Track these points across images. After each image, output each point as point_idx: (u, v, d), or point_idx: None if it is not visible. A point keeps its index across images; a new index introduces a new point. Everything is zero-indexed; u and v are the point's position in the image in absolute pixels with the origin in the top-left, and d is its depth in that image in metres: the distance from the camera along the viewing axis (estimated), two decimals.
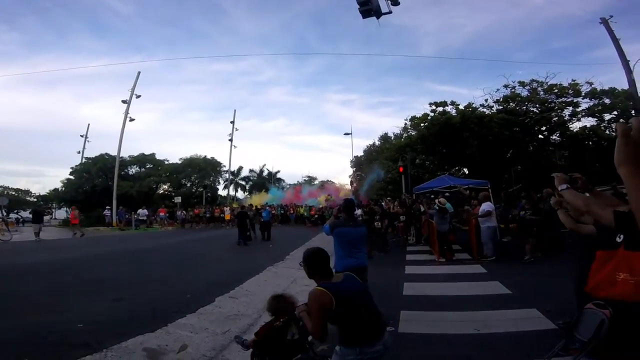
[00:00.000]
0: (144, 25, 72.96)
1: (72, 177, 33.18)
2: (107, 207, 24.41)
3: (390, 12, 7.88)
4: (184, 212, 24.22)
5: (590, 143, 20.88)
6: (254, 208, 17.44)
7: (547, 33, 51.43)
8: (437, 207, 8.44)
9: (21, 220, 26.90)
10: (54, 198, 35.99)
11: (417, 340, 3.61)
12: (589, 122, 21.12)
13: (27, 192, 38.91)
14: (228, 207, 24.22)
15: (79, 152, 33.70)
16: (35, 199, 38.48)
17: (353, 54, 72.68)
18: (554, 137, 22.17)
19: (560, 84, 20.54)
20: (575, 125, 21.49)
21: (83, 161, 33.38)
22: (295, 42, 77.55)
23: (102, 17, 64.04)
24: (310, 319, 2.07)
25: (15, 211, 33.94)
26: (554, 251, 7.84)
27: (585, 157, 19.46)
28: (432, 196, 13.27)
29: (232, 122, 33.94)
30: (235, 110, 35.10)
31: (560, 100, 20.79)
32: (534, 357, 2.14)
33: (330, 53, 75.56)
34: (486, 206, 8.05)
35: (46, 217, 34.89)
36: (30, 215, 20.11)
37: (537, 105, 21.11)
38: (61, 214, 37.71)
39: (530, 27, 54.99)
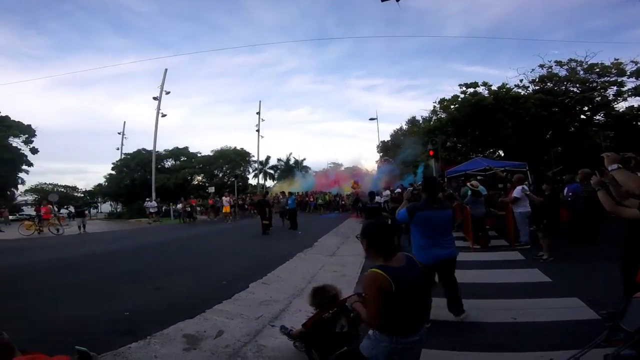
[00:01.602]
0: (165, 22, 75.06)
1: (113, 172, 35.36)
2: (147, 198, 25.66)
3: None
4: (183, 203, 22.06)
5: (639, 124, 19.35)
6: (279, 195, 17.95)
7: (582, 12, 47.38)
8: (469, 191, 8.11)
9: (72, 214, 29.09)
10: (98, 192, 38.59)
11: (450, 328, 3.55)
12: (636, 101, 19.63)
13: (74, 189, 41.87)
14: (227, 197, 20.99)
15: (117, 149, 35.65)
16: (82, 195, 41.39)
17: (375, 37, 70.66)
18: (597, 117, 20.84)
19: (602, 63, 19.25)
20: (621, 105, 20.11)
21: (122, 157, 35.32)
22: (315, 29, 76.86)
23: (123, 17, 66.62)
24: (366, 306, 1.88)
25: (66, 207, 36.69)
26: (586, 245, 7.02)
27: (633, 138, 18.00)
28: (463, 179, 12.81)
29: (258, 113, 34.46)
30: (260, 102, 35.71)
31: (602, 79, 19.39)
32: (573, 347, 2.03)
33: (352, 37, 74.09)
34: (516, 192, 7.57)
35: (93, 211, 37.62)
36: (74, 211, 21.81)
37: (578, 85, 19.79)
38: (106, 207, 40.46)
39: (562, 6, 50.73)
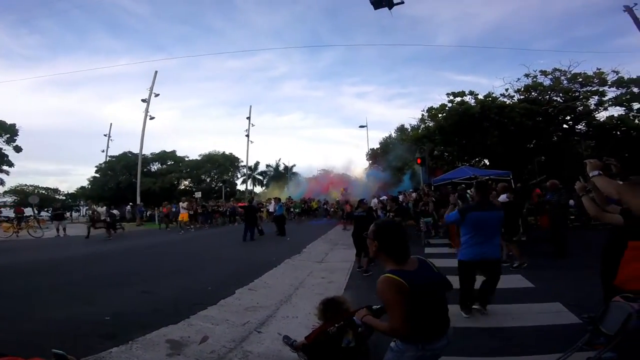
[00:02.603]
0: (159, 24, 74.65)
1: (97, 175, 34.60)
2: (130, 204, 25.27)
3: (402, 2, 7.67)
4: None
5: (619, 133, 20.06)
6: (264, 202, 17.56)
7: (568, 22, 49.36)
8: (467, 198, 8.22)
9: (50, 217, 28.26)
10: (81, 195, 37.58)
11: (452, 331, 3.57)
12: (616, 111, 20.34)
13: (56, 191, 40.61)
14: (186, 202, 17.57)
15: (103, 151, 34.92)
16: (63, 197, 40.22)
17: (367, 45, 71.63)
18: (579, 126, 21.42)
19: (585, 73, 19.85)
20: (602, 115, 20.73)
21: (107, 159, 34.62)
22: (308, 35, 77.51)
23: (118, 18, 65.94)
24: (390, 313, 1.71)
25: (46, 209, 35.64)
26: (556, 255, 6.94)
27: (613, 147, 18.65)
28: (450, 187, 13.00)
29: (248, 118, 34.33)
30: (250, 106, 35.51)
31: (585, 89, 20.08)
32: (557, 351, 2.07)
33: (344, 45, 74.90)
34: (501, 199, 7.75)
35: (75, 214, 36.57)
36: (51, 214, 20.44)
37: (561, 95, 20.41)
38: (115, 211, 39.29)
39: (550, 16, 52.75)
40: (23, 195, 31.38)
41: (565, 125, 21.64)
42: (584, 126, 21.25)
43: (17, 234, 15.30)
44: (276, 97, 77.47)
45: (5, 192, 34.21)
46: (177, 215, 17.81)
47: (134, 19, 71.47)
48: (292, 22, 79.06)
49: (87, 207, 20.06)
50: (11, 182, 33.89)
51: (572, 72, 20.13)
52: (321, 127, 79.50)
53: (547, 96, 20.96)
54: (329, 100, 76.31)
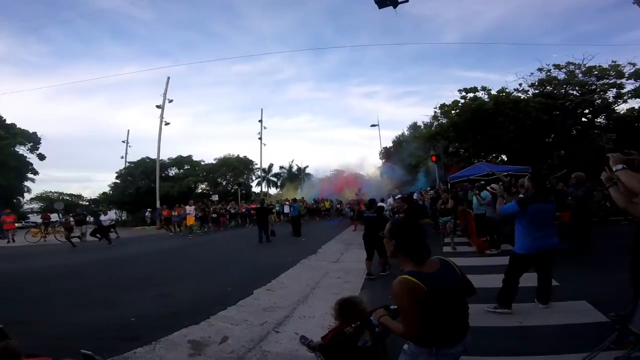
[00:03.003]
0: (164, 30, 75.69)
1: (117, 180, 35.56)
2: (148, 209, 25.87)
3: (407, 1, 7.56)
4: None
5: None
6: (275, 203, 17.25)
7: (574, 16, 47.65)
8: (489, 195, 8.03)
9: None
10: (104, 201, 38.75)
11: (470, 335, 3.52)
12: (636, 103, 19.69)
13: (79, 197, 41.97)
14: (193, 206, 17.09)
15: (122, 157, 35.86)
16: (87, 203, 41.59)
17: (372, 45, 71.08)
18: (599, 119, 20.80)
19: (600, 66, 19.27)
20: (622, 107, 20.12)
21: (126, 165, 35.53)
22: (312, 38, 77.30)
23: (124, 25, 67.12)
24: (402, 317, 1.67)
25: (71, 214, 36.81)
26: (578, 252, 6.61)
27: (635, 139, 17.96)
28: (467, 184, 12.76)
29: (260, 121, 34.64)
30: (262, 110, 35.69)
31: (601, 82, 19.47)
32: (581, 350, 2.01)
33: (349, 45, 74.58)
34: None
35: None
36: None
37: (577, 88, 19.87)
38: (111, 215, 40.43)
39: (556, 10, 51.11)
40: (49, 202, 32.56)
41: (584, 119, 21.04)
42: (603, 119, 20.72)
43: (45, 239, 15.91)
44: (284, 100, 77.69)
45: (31, 199, 35.71)
46: (180, 219, 17.31)
47: (140, 26, 72.96)
48: (297, 26, 79.19)
49: (62, 216, 18.70)
50: (37, 189, 35.35)
51: (587, 65, 19.63)
52: (330, 128, 79.36)
53: (563, 90, 20.45)
54: (336, 101, 76.02)
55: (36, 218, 29.05)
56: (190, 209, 16.47)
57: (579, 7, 47.95)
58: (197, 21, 75.20)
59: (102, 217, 14.67)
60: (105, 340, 3.71)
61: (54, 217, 23.07)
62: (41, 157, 32.10)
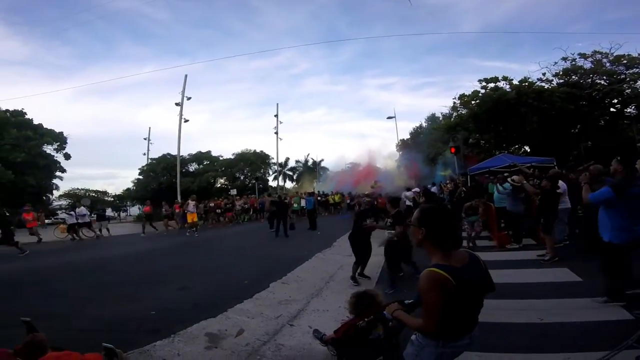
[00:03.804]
0: (182, 30, 77.05)
1: (140, 177, 36.72)
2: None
3: None
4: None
5: None
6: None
7: (600, 3, 44.87)
8: (510, 186, 7.82)
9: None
10: (127, 197, 40.17)
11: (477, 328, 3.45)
12: None
13: (105, 193, 43.65)
14: (194, 201, 15.69)
15: (144, 154, 36.89)
16: (111, 199, 43.22)
17: (388, 36, 69.73)
18: (628, 110, 19.75)
19: (629, 55, 18.38)
20: None
21: (148, 162, 36.53)
22: (327, 31, 76.84)
23: (142, 25, 68.87)
24: (426, 310, 1.58)
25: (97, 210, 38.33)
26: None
27: None
28: (487, 175, 12.41)
29: (276, 116, 34.73)
30: (277, 104, 35.75)
31: (631, 71, 18.43)
32: (603, 348, 1.92)
33: (364, 37, 73.43)
34: (562, 187, 7.17)
35: (123, 214, 39.06)
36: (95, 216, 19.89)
37: (605, 78, 18.90)
38: (134, 210, 42.00)
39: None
40: (75, 198, 34.01)
41: (612, 109, 20.04)
42: (633, 109, 19.66)
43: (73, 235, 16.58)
44: (300, 94, 77.94)
45: (60, 196, 37.39)
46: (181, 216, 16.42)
47: (157, 26, 74.59)
48: (311, 19, 78.89)
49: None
50: (64, 186, 36.96)
51: (615, 54, 18.71)
52: (346, 120, 79.03)
53: (589, 79, 19.53)
54: (353, 94, 75.56)
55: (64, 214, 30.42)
56: (191, 205, 15.24)
57: None
58: (213, 19, 76.28)
59: (74, 213, 14.22)
60: (126, 333, 3.84)
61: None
62: (67, 156, 33.46)
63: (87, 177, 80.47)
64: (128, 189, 39.51)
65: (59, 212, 35.01)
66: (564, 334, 3.21)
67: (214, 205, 20.06)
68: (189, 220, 15.11)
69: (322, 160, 44.09)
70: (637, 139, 15.89)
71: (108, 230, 16.63)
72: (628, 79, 18.68)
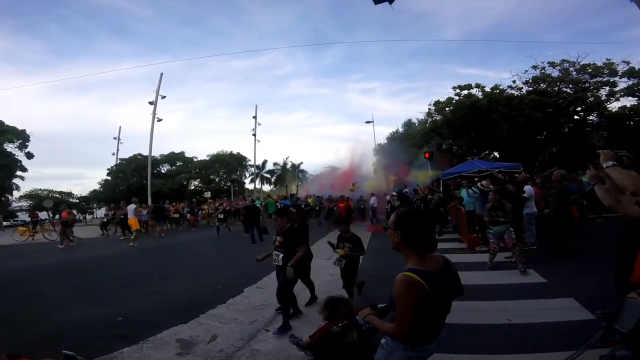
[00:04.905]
0: (164, 27, 74.86)
1: (109, 177, 35.17)
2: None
3: None
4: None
5: (631, 123, 19.71)
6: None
7: (576, 13, 48.09)
8: (478, 191, 8.07)
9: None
10: (94, 198, 38.31)
11: (446, 331, 3.53)
12: (628, 101, 20.05)
13: (70, 194, 41.42)
14: (134, 207, 13.42)
15: (113, 154, 35.42)
16: (77, 200, 41.08)
17: (372, 42, 70.94)
18: (591, 117, 21.12)
19: (594, 64, 19.60)
20: (614, 106, 20.51)
21: (118, 162, 35.12)
22: (312, 33, 77.08)
23: (123, 22, 66.30)
24: (399, 315, 1.57)
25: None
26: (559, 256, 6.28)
27: (626, 137, 18.24)
28: (459, 180, 12.83)
29: (255, 117, 34.32)
30: (256, 106, 35.49)
31: (595, 80, 19.73)
32: (569, 348, 2.01)
33: (349, 42, 74.36)
34: (527, 191, 7.50)
35: (88, 217, 37.23)
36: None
37: (571, 86, 20.09)
38: (101, 213, 40.10)
39: (555, 8, 51.52)
40: (38, 200, 32.11)
41: (576, 117, 21.30)
42: (595, 117, 21.03)
43: (33, 238, 15.64)
44: (282, 96, 77.43)
45: (20, 197, 35.15)
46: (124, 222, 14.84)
47: (138, 23, 72.06)
48: (296, 21, 78.89)
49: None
50: (26, 187, 34.78)
51: (581, 63, 19.88)
52: (328, 124, 79.22)
53: (557, 87, 20.68)
54: (335, 98, 75.93)
55: (24, 216, 28.68)
56: (131, 210, 13.24)
57: (579, 5, 48.31)
58: (197, 17, 74.55)
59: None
60: (92, 339, 3.70)
61: (43, 215, 22.76)
62: (29, 155, 31.55)
63: (52, 177, 75.96)
64: (95, 191, 37.75)
65: (19, 214, 32.99)
66: (531, 335, 3.33)
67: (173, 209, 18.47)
68: (130, 224, 13.25)
69: (302, 163, 43.92)
70: (597, 146, 16.96)
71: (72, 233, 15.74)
72: (592, 87, 19.82)
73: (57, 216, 18.75)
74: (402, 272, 1.57)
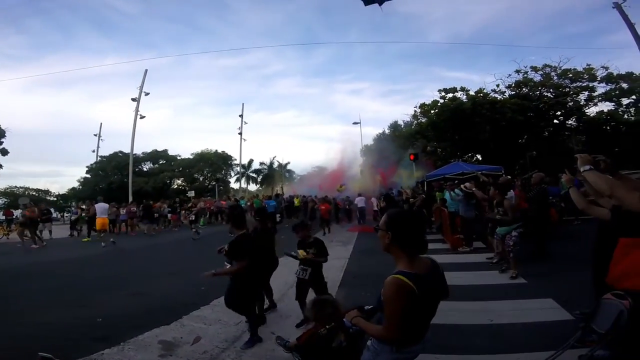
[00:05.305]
0: (150, 23, 73.52)
1: (88, 175, 34.16)
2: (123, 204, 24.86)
3: None
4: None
5: (608, 128, 20.50)
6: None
7: (560, 18, 49.65)
8: (462, 193, 8.19)
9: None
10: (72, 197, 37.11)
11: (429, 331, 3.57)
12: (606, 106, 20.91)
13: (47, 192, 39.97)
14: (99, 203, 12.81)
15: (93, 151, 34.40)
16: (54, 199, 39.67)
17: (360, 43, 71.49)
18: (570, 122, 21.89)
19: (575, 69, 20.33)
20: (592, 110, 21.33)
21: (98, 160, 34.18)
22: (302, 33, 77.09)
23: (107, 17, 64.64)
24: (388, 318, 1.57)
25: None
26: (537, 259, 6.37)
27: (603, 141, 18.97)
28: (442, 182, 13.05)
29: (241, 116, 34.00)
30: (243, 104, 35.30)
31: (575, 85, 20.47)
32: (549, 348, 2.07)
33: (338, 42, 74.61)
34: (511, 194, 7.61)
35: (66, 216, 36.04)
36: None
37: (551, 90, 20.72)
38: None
39: (541, 13, 53.12)
40: (13, 198, 30.87)
41: (556, 121, 21.98)
42: (574, 121, 21.73)
43: (8, 237, 15.03)
44: (270, 95, 77.07)
45: None
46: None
47: (124, 18, 70.30)
48: (286, 21, 78.69)
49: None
50: (1, 184, 33.41)
51: (562, 68, 20.50)
52: (316, 124, 79.36)
53: (538, 92, 21.29)
54: (323, 98, 75.98)
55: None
56: (100, 208, 12.38)
57: (564, 10, 49.85)
58: (184, 14, 73.32)
59: None
60: (72, 341, 3.62)
61: (18, 213, 21.82)
62: (4, 151, 30.16)
63: (29, 174, 72.98)
64: (74, 189, 36.59)
65: None
66: (513, 335, 3.40)
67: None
68: (98, 225, 12.37)
69: (289, 162, 43.72)
70: (575, 149, 17.54)
71: (50, 232, 15.13)
72: (572, 92, 20.54)
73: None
74: (392, 274, 1.56)
